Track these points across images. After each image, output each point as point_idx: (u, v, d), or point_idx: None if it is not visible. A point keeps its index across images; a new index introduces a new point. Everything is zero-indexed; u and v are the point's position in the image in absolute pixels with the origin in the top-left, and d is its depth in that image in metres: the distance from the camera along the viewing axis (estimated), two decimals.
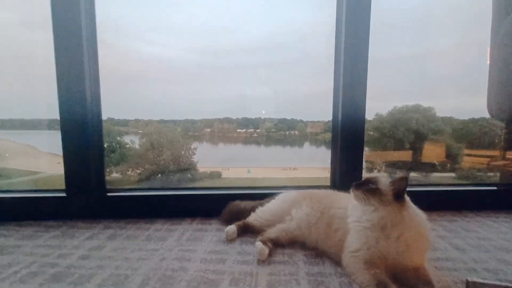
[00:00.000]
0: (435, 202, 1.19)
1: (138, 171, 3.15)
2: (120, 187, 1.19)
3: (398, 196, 0.67)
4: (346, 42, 1.13)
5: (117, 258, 0.79)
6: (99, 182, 1.12)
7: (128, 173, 3.14)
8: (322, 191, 0.98)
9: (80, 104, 1.07)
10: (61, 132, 1.09)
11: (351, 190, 0.73)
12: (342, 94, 1.16)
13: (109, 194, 1.13)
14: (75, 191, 1.09)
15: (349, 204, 0.75)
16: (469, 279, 0.62)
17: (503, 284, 0.64)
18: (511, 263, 0.78)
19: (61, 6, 1.03)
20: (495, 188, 1.29)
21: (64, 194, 1.09)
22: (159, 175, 3.18)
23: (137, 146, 3.25)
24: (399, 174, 0.71)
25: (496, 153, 2.59)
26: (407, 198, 0.69)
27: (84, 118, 1.08)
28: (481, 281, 0.62)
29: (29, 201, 1.11)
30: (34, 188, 1.14)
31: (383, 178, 0.71)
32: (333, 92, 1.20)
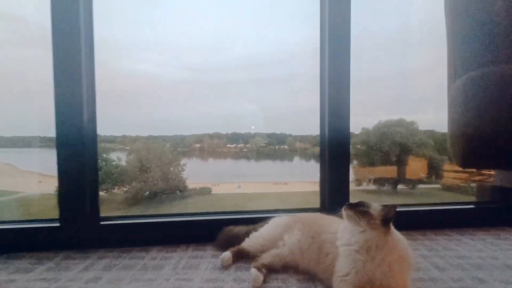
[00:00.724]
0: (418, 222, 1.26)
1: (125, 189, 3.09)
2: (110, 214, 1.19)
3: (385, 222, 0.73)
4: (329, 62, 1.23)
5: None
6: (93, 210, 1.13)
7: (114, 191, 3.08)
8: (313, 215, 1.03)
9: (77, 125, 1.09)
10: (57, 156, 1.09)
11: (343, 209, 0.79)
12: (328, 110, 1.25)
13: (102, 222, 1.14)
14: (69, 220, 1.10)
15: (339, 228, 0.81)
16: None
17: None
18: (485, 280, 0.85)
19: (61, 26, 1.07)
20: (472, 206, 1.40)
21: (57, 224, 1.09)
22: (147, 192, 3.13)
23: (123, 163, 3.20)
24: (389, 202, 0.76)
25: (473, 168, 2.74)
26: (391, 225, 0.75)
27: (81, 140, 1.10)
28: None
29: (20, 232, 1.10)
30: (22, 218, 1.12)
31: (375, 204, 0.77)
32: (320, 108, 1.29)
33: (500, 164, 0.47)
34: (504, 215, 1.34)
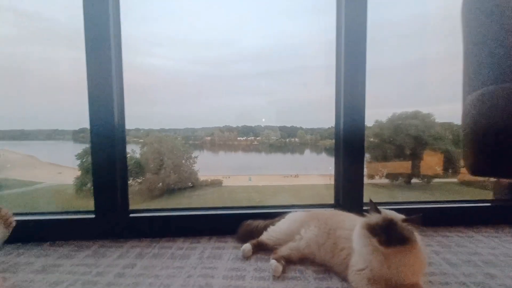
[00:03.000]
0: (431, 218, 1.29)
1: (139, 180, 3.23)
2: (139, 207, 1.29)
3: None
4: (346, 52, 1.23)
5: (149, 276, 0.90)
6: (123, 203, 1.23)
7: (129, 182, 3.21)
8: (329, 211, 1.09)
9: (109, 120, 1.17)
10: (91, 150, 1.17)
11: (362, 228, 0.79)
12: (343, 102, 1.26)
13: (131, 215, 1.23)
14: (103, 212, 1.20)
15: (355, 229, 0.84)
16: None
17: None
18: (496, 276, 0.89)
19: (92, 26, 1.14)
20: (489, 204, 1.40)
21: (93, 216, 1.20)
22: (160, 183, 3.25)
23: (137, 156, 3.32)
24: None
25: None
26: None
27: (112, 135, 1.17)
28: None
29: (61, 222, 1.21)
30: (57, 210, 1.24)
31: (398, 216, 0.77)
32: (335, 100, 1.30)
33: (509, 174, 0.50)
34: None
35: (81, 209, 1.27)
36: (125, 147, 1.24)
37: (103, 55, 1.15)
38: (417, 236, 0.75)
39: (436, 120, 3.49)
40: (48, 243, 1.16)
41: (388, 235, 0.72)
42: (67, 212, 1.25)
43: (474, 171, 0.50)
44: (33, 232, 1.18)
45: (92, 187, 1.19)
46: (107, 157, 1.18)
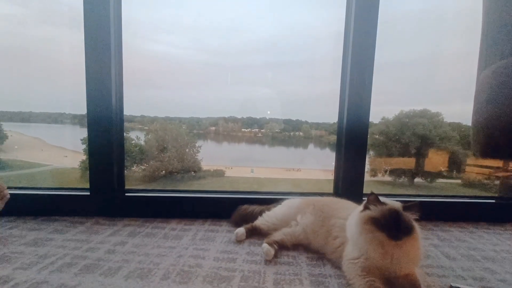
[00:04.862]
0: (432, 213, 1.26)
1: (143, 167, 3.25)
2: (134, 187, 1.28)
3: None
4: (354, 45, 1.19)
5: (139, 254, 0.89)
6: (119, 182, 1.22)
7: (133, 168, 3.24)
8: (325, 199, 1.06)
9: (106, 104, 1.16)
10: (88, 131, 1.18)
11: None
12: (348, 97, 1.22)
13: (127, 194, 1.23)
14: (98, 190, 1.19)
15: (349, 218, 0.81)
16: (453, 284, 0.69)
17: None
18: (496, 271, 0.85)
19: (92, 7, 1.12)
20: (493, 201, 1.36)
21: (87, 193, 1.19)
22: (163, 171, 3.26)
23: (142, 142, 3.33)
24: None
25: (499, 163, 2.62)
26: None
27: (110, 117, 1.17)
28: (464, 286, 0.70)
29: (55, 198, 1.21)
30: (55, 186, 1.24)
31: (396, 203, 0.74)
32: (340, 95, 1.27)
33: None
34: None
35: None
36: (122, 129, 1.23)
37: (102, 38, 1.13)
38: (416, 223, 0.72)
39: (445, 120, 3.42)
40: (42, 217, 1.16)
41: (396, 228, 0.68)
42: (62, 188, 1.25)
43: (484, 153, 0.47)
44: (28, 206, 1.18)
45: (88, 165, 1.18)
46: (104, 137, 1.17)
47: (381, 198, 0.75)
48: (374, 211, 0.73)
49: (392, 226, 0.69)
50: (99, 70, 1.14)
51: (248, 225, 1.05)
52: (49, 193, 1.23)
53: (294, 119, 4.06)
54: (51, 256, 0.86)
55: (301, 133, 3.95)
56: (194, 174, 3.45)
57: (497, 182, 2.56)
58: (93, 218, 1.17)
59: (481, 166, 2.88)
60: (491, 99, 0.43)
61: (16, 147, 3.15)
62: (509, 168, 2.18)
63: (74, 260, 0.84)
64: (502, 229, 1.20)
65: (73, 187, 1.27)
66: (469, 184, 3.14)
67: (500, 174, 2.23)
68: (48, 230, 1.05)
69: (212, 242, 0.99)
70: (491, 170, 2.56)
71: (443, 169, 3.42)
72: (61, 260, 0.84)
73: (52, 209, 1.19)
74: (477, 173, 2.95)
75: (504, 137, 0.42)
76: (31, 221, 1.12)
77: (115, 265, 0.82)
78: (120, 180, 1.22)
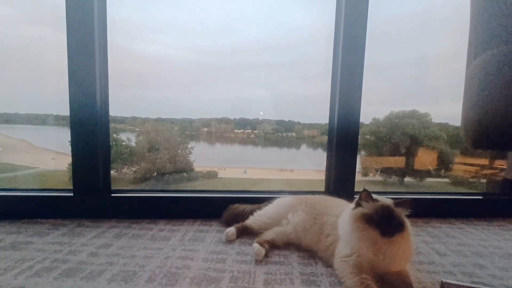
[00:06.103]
0: (422, 210, 1.26)
1: (134, 169, 3.19)
2: (122, 187, 1.24)
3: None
4: (344, 46, 1.19)
5: (124, 256, 0.85)
6: (105, 183, 1.17)
7: (124, 170, 3.18)
8: (317, 197, 1.05)
9: (90, 104, 1.12)
10: (71, 131, 1.14)
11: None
12: (338, 98, 1.22)
13: (113, 194, 1.18)
14: (82, 191, 1.15)
15: (341, 215, 0.80)
16: (443, 280, 0.69)
17: (476, 286, 0.71)
18: (485, 266, 0.86)
19: (75, 5, 1.08)
20: (481, 197, 1.38)
21: (71, 194, 1.14)
22: (155, 173, 3.21)
23: (133, 144, 3.28)
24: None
25: (486, 161, 2.68)
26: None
27: (94, 118, 1.13)
28: (455, 282, 0.69)
29: (37, 199, 1.16)
30: (41, 188, 1.19)
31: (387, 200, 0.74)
32: (330, 96, 1.26)
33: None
34: None
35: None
36: (108, 130, 1.19)
37: (85, 37, 1.09)
38: (407, 220, 0.72)
39: (433, 120, 3.50)
40: (23, 220, 1.10)
41: (389, 225, 0.68)
42: (44, 190, 1.20)
43: (475, 143, 0.46)
44: (9, 209, 1.12)
45: (71, 166, 1.13)
46: (88, 138, 1.13)
47: (373, 195, 0.74)
48: (367, 207, 0.72)
49: (384, 223, 0.68)
50: (82, 69, 1.10)
51: (239, 225, 1.03)
52: (31, 194, 1.17)
53: (287, 120, 4.06)
54: (30, 260, 0.81)
55: (293, 134, 3.96)
56: (186, 176, 3.41)
57: (483, 180, 2.62)
58: (77, 220, 1.12)
59: (468, 165, 2.95)
60: (481, 89, 0.43)
61: (0, 149, 3.04)
62: (495, 165, 2.23)
63: (54, 264, 0.79)
64: (489, 224, 1.22)
65: (56, 188, 1.22)
66: (457, 182, 3.21)
67: (487, 171, 2.27)
68: (27, 233, 1.00)
69: (201, 242, 0.96)
70: (478, 168, 2.61)
71: (431, 168, 3.49)
72: (40, 264, 0.79)
73: (34, 211, 1.13)
74: (464, 171, 3.02)
75: (495, 126, 0.41)
76: (9, 224, 1.07)
77: (98, 268, 0.78)
78: (106, 180, 1.18)
